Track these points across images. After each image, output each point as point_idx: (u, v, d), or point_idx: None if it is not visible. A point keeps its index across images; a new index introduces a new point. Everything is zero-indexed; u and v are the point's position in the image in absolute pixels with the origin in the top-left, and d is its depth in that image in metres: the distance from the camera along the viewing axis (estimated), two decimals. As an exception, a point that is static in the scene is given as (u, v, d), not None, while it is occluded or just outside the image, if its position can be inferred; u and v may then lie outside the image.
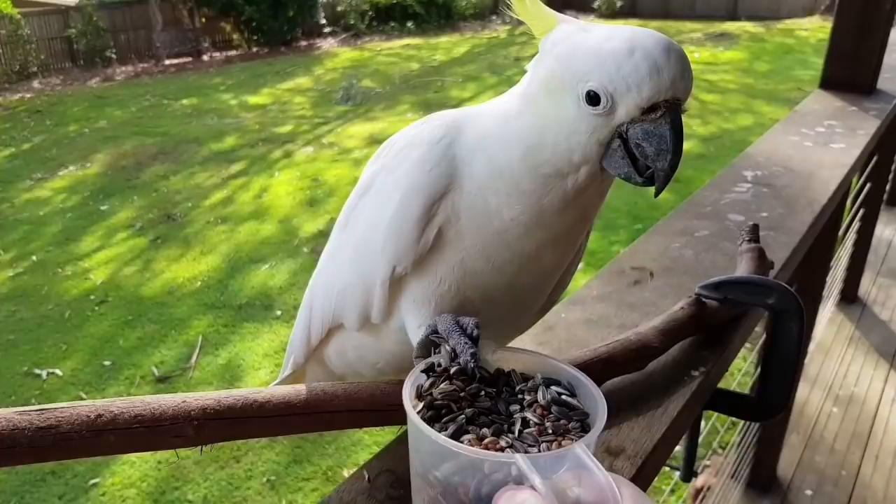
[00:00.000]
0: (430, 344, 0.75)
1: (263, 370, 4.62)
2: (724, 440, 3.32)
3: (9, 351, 4.94)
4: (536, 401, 0.67)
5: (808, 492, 3.11)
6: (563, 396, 0.68)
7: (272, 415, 0.72)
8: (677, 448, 1.55)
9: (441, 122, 0.84)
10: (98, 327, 5.22)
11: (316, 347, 1.01)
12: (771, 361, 1.13)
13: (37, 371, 4.69)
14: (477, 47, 16.25)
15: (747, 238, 1.28)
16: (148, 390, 4.44)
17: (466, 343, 0.71)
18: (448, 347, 0.72)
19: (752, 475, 3.04)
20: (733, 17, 19.11)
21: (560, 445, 0.62)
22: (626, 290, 1.28)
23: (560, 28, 0.76)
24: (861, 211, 3.72)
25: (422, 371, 0.70)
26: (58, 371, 4.70)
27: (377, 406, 0.78)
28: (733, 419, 3.31)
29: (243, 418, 0.70)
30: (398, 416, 0.81)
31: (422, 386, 0.68)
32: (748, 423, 2.73)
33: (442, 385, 0.67)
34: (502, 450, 0.61)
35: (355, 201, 0.91)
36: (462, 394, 0.66)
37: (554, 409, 0.66)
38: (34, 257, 6.42)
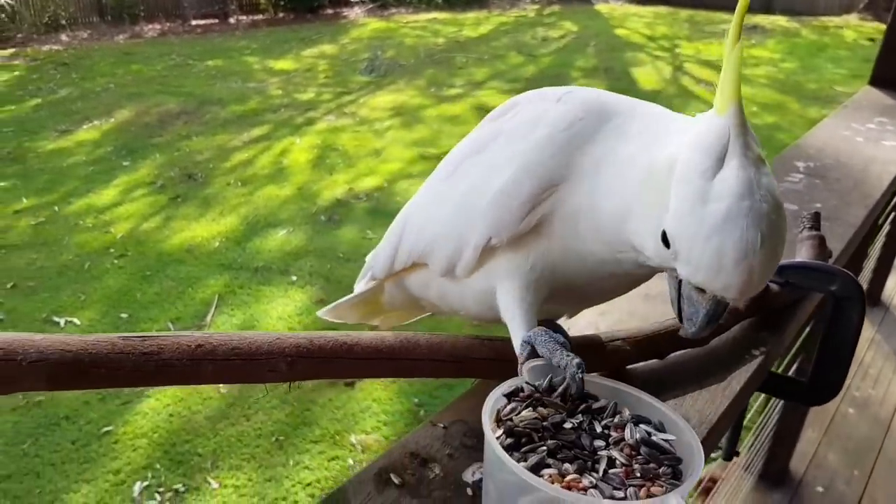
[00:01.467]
0: (533, 350, 0.73)
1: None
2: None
3: (29, 297, 4.99)
4: (624, 439, 0.63)
5: (820, 488, 3.13)
6: (654, 437, 0.64)
7: (359, 357, 0.73)
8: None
9: (577, 109, 0.79)
10: (116, 280, 5.26)
11: (398, 272, 1.03)
12: (828, 347, 1.13)
13: (55, 318, 4.74)
14: (504, 25, 16.09)
15: (808, 225, 1.28)
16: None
17: (570, 358, 0.68)
18: (552, 363, 0.69)
19: (764, 468, 3.06)
20: (768, 9, 18.83)
21: (649, 492, 0.57)
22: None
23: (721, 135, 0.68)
24: (893, 214, 3.69)
25: (504, 395, 0.67)
26: (75, 320, 4.74)
27: (458, 357, 0.79)
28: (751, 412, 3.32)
29: (333, 358, 0.71)
30: (476, 369, 0.82)
31: (501, 410, 0.65)
32: (767, 417, 2.74)
33: (524, 412, 0.64)
34: (585, 490, 0.57)
35: (465, 154, 0.89)
36: (545, 423, 0.62)
37: (643, 450, 0.62)
38: (56, 207, 6.45)
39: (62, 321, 4.70)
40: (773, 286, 1.13)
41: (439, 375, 0.79)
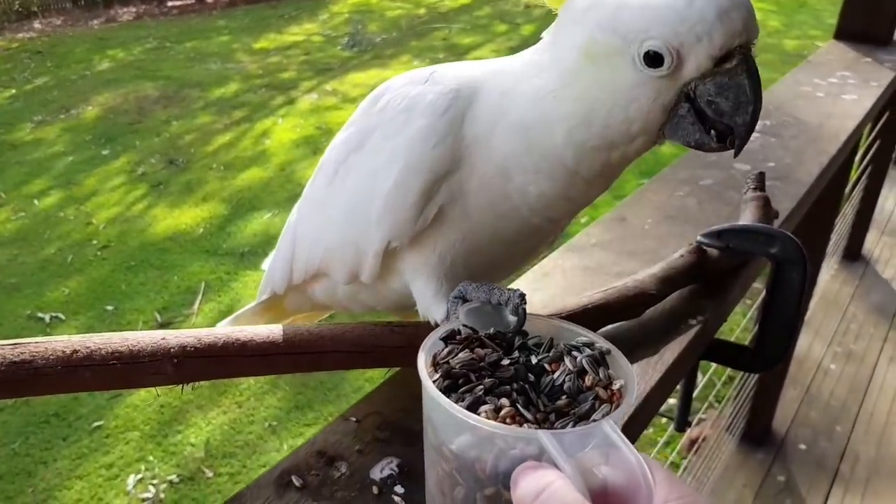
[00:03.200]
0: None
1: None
2: (721, 394, 3.34)
3: (11, 294, 4.96)
4: (559, 369, 0.62)
5: (802, 446, 3.14)
6: (589, 362, 0.64)
7: (254, 354, 0.70)
8: (673, 400, 1.55)
9: (449, 88, 0.76)
10: (100, 272, 5.23)
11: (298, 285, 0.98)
12: (771, 312, 1.11)
13: (40, 315, 4.71)
14: (485, -7, 15.86)
15: (753, 186, 1.25)
16: (150, 334, 4.47)
17: (511, 292, 0.67)
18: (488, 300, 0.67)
19: (747, 428, 3.07)
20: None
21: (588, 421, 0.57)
22: (626, 238, 1.25)
23: None
24: (869, 168, 3.66)
25: (440, 338, 0.66)
26: (61, 315, 4.72)
27: (365, 348, 0.77)
28: (730, 373, 3.32)
29: (224, 356, 0.69)
30: (387, 358, 0.80)
31: (438, 354, 0.64)
32: (745, 377, 2.75)
33: (461, 354, 0.63)
34: (523, 423, 0.57)
35: (345, 155, 0.84)
36: (482, 363, 0.62)
37: (579, 376, 0.62)
38: (35, 201, 6.40)
39: (47, 317, 4.68)
40: (713, 251, 1.11)
41: (347, 367, 0.77)
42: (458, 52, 10.57)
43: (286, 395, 3.94)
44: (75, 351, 0.63)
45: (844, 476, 2.98)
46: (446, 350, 0.64)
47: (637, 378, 0.94)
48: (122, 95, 9.19)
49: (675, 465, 3.16)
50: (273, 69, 10.18)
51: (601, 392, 0.60)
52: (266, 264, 1.10)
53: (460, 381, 0.60)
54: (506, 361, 0.62)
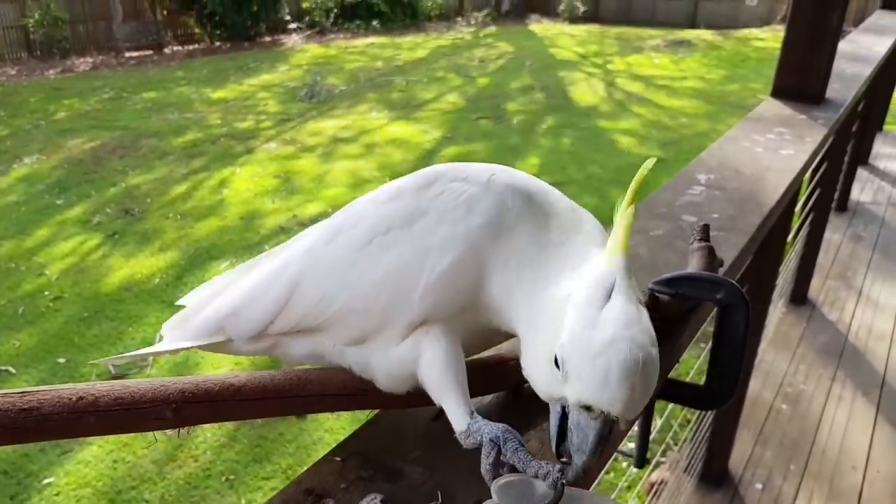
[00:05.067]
0: (498, 459, 0.76)
1: (223, 368, 4.58)
2: (678, 437, 3.42)
3: (-40, 347, 4.82)
4: None
5: (759, 485, 3.23)
6: None
7: (248, 398, 0.75)
8: (631, 445, 1.62)
9: (506, 195, 0.87)
10: (53, 324, 5.12)
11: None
12: (719, 352, 1.19)
13: (-11, 368, 4.59)
14: (442, 48, 16.29)
15: (698, 237, 1.35)
16: (105, 387, 4.37)
17: (549, 466, 0.71)
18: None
19: (704, 469, 3.15)
20: (693, 24, 19.51)
21: None
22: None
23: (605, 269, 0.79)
24: (811, 215, 3.87)
25: None
26: (10, 368, 4.59)
27: (349, 391, 0.82)
28: (686, 415, 3.41)
29: (220, 401, 0.73)
30: (369, 401, 0.85)
31: None
32: (701, 419, 2.84)
33: None
34: None
35: (385, 227, 0.90)
36: None
37: None
38: (-14, 251, 6.26)
39: (-4, 370, 4.56)
40: (664, 297, 1.19)
41: (333, 410, 0.82)
42: (414, 104, 10.80)
43: (244, 447, 3.88)
44: (80, 398, 0.67)
45: (799, 514, 3.07)
46: None
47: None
48: (77, 145, 9.12)
49: (635, 509, 3.21)
50: (232, 119, 10.24)
51: None
52: (192, 299, 1.11)
53: None
54: None
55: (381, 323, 0.87)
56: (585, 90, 11.94)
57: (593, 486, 1.03)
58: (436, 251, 0.85)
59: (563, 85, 12.32)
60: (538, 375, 0.78)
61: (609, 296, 0.75)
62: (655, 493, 2.98)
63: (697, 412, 2.86)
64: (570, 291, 0.77)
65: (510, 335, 0.90)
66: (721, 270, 1.33)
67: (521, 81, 12.59)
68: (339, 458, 0.83)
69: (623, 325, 0.71)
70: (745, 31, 18.04)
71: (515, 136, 9.53)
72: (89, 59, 14.73)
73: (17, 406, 0.64)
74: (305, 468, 0.80)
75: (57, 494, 3.58)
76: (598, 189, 7.55)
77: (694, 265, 1.28)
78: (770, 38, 16.54)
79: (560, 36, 17.75)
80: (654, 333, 0.75)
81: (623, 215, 0.80)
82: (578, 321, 0.73)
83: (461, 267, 0.84)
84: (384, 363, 0.88)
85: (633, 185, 0.81)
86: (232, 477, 3.67)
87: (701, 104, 10.96)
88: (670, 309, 1.19)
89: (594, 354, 0.69)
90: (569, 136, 9.43)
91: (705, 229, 1.35)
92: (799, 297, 4.54)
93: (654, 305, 1.16)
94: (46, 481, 3.65)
